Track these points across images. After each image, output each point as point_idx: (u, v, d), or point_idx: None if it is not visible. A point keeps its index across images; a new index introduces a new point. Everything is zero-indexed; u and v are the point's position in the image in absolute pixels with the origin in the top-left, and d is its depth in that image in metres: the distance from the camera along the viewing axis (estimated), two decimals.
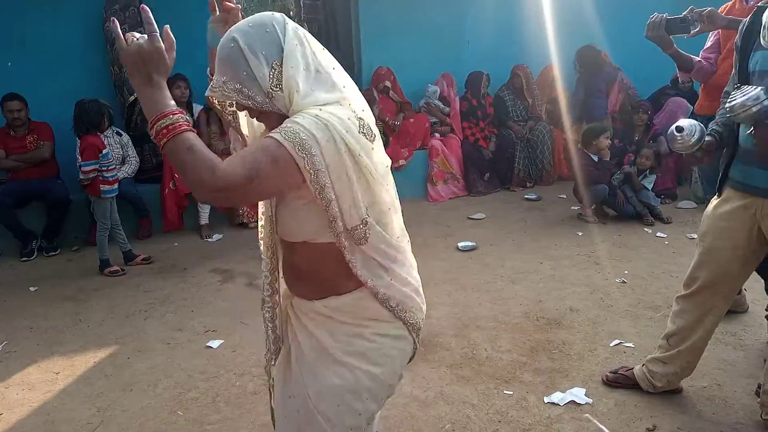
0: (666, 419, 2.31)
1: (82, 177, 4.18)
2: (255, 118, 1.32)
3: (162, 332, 3.33)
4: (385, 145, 5.29)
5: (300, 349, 1.39)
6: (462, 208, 5.63)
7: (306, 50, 1.25)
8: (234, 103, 1.37)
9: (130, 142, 5.19)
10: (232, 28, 1.25)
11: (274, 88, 1.21)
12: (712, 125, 2.17)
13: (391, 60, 6.25)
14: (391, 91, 6.17)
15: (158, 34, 1.19)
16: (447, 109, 6.29)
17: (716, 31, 2.91)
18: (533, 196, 5.85)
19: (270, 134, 1.18)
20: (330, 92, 1.24)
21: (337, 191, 1.20)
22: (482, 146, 6.24)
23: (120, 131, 5.14)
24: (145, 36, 1.19)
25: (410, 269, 1.46)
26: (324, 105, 1.21)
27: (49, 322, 3.54)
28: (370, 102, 4.96)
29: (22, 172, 4.85)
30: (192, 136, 1.16)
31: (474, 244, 4.48)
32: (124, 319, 3.54)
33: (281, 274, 1.48)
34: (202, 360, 2.98)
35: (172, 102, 1.19)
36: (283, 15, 1.29)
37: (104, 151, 4.22)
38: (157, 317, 3.54)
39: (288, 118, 1.21)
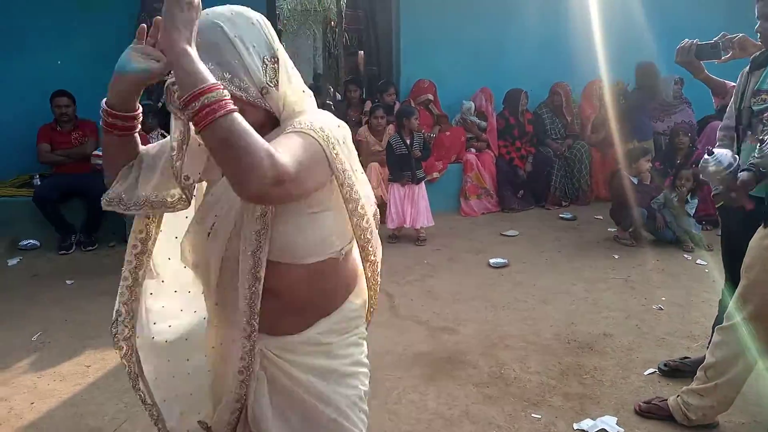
0: None
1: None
2: None
3: None
4: (425, 158, 5.27)
5: (294, 392, 1.26)
6: (495, 224, 5.57)
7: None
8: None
9: None
10: (209, 12, 1.11)
11: (270, 84, 1.14)
12: (750, 160, 2.09)
13: (430, 73, 6.25)
14: (431, 104, 6.18)
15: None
16: (484, 123, 6.24)
17: None
18: (568, 216, 5.75)
19: (297, 130, 1.10)
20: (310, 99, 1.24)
21: (357, 190, 1.21)
22: (518, 166, 6.16)
23: (165, 133, 5.24)
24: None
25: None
26: (312, 111, 1.21)
27: (83, 315, 3.61)
28: (410, 114, 4.96)
29: (65, 167, 5.00)
30: (242, 117, 1.00)
31: (506, 261, 4.42)
32: None
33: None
34: None
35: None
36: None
37: None
38: None
39: (278, 118, 1.18)
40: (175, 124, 1.09)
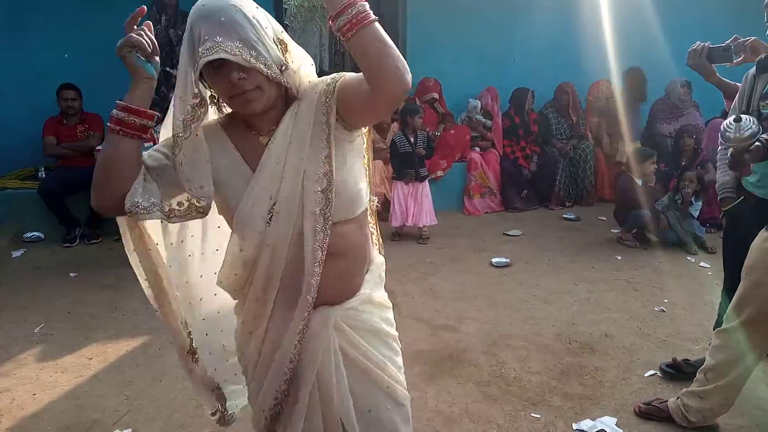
0: None
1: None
2: (236, 98, 1.18)
3: None
4: (428, 157, 5.27)
5: (358, 360, 1.35)
6: (498, 223, 5.57)
7: None
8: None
9: None
10: None
11: (288, 62, 1.21)
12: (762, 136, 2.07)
13: (436, 71, 6.24)
14: (436, 103, 6.17)
15: None
16: (489, 123, 6.23)
17: None
18: (572, 216, 5.74)
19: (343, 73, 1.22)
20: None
21: None
22: (522, 165, 6.15)
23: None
24: None
25: None
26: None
27: (86, 308, 3.63)
28: (415, 112, 4.96)
29: (71, 160, 5.03)
30: None
31: (508, 260, 4.42)
32: None
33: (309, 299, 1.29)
34: None
35: None
36: None
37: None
38: None
39: (290, 95, 1.24)
40: (179, 109, 1.17)
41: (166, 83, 5.35)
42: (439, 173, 5.85)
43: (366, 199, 1.33)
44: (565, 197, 6.19)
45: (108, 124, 1.19)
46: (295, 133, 1.22)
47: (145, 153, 1.24)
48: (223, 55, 1.10)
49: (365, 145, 1.35)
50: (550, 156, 6.19)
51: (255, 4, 1.19)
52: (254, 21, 1.15)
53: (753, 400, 2.54)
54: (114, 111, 1.19)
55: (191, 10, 1.16)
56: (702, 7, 6.49)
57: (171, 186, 1.24)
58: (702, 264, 4.40)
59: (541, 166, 6.18)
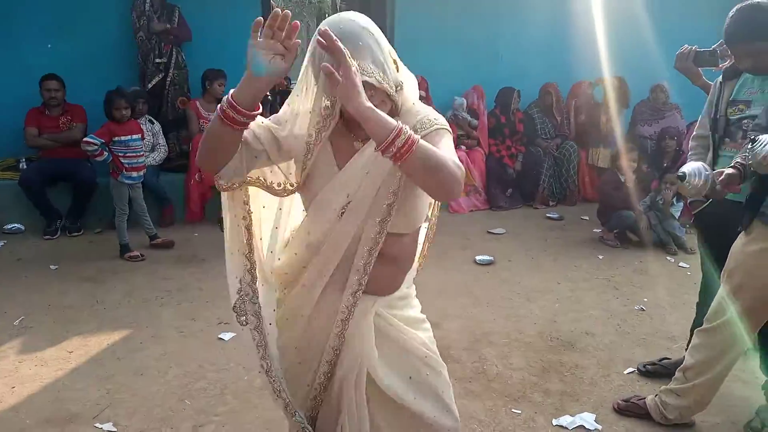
0: None
1: (83, 146, 4.25)
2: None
3: (176, 320, 3.35)
4: None
5: (398, 337, 1.54)
6: (482, 221, 5.60)
7: None
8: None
9: (161, 131, 5.27)
10: (344, 19, 1.27)
11: (401, 82, 1.34)
12: (736, 158, 2.11)
13: (422, 69, 6.20)
14: (422, 100, 6.17)
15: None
16: (475, 122, 6.25)
17: None
18: (555, 215, 5.80)
19: (440, 127, 1.33)
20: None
21: None
22: (507, 164, 6.19)
23: (152, 119, 5.22)
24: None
25: None
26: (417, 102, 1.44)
27: (66, 301, 3.59)
28: None
29: (52, 152, 4.95)
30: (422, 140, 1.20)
31: (492, 258, 4.45)
32: (141, 304, 3.58)
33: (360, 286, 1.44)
34: (213, 351, 3.00)
35: None
36: None
37: (122, 138, 4.28)
38: (173, 305, 3.57)
39: (394, 111, 1.35)
40: (311, 121, 1.30)
41: (152, 71, 5.32)
42: None
43: (423, 218, 1.51)
44: (549, 196, 6.24)
45: (218, 107, 1.24)
46: None
47: (248, 134, 1.31)
48: (365, 78, 1.21)
49: None
50: (535, 155, 6.24)
51: (377, 27, 1.31)
52: (381, 45, 1.28)
53: (728, 398, 2.59)
54: (223, 102, 1.22)
55: (323, 28, 1.18)
56: (690, 11, 6.57)
57: (259, 167, 1.39)
58: (681, 264, 4.47)
59: (526, 165, 6.22)
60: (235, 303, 1.51)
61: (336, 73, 1.13)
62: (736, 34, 2.19)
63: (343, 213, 1.37)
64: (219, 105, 1.23)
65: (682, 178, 2.03)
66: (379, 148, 1.15)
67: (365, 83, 1.19)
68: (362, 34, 1.25)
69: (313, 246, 1.43)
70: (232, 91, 1.23)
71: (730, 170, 2.00)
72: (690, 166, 2.06)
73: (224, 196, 1.43)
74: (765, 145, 1.85)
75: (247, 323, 1.51)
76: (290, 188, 1.44)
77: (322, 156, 1.38)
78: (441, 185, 1.20)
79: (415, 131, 1.23)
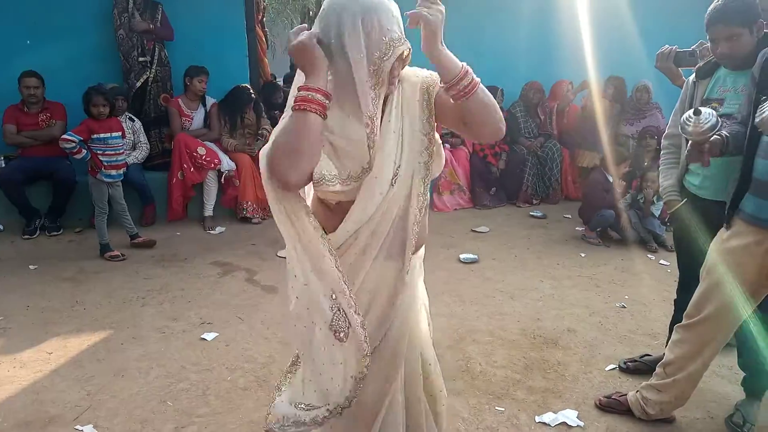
0: None
1: (61, 144, 4.19)
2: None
3: (157, 321, 3.32)
4: None
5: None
6: (466, 220, 5.62)
7: None
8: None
9: (142, 129, 5.21)
10: None
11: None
12: (723, 130, 2.12)
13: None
14: None
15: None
16: None
17: None
18: (539, 214, 5.84)
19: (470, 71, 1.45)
20: None
21: None
22: (491, 162, 6.21)
23: (133, 117, 5.16)
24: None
25: None
26: None
27: (46, 301, 3.54)
28: None
29: (31, 149, 4.88)
30: None
31: (476, 257, 4.47)
32: (121, 304, 3.54)
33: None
34: (195, 351, 2.98)
35: None
36: None
37: (101, 136, 4.22)
38: (154, 305, 3.53)
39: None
40: (367, 100, 1.35)
41: (138, 70, 5.25)
42: None
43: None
44: (532, 195, 6.28)
45: (293, 105, 1.31)
46: (406, 110, 1.47)
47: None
48: (408, 46, 1.40)
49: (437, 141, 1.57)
50: (518, 154, 6.27)
51: None
52: (398, 17, 1.39)
53: (708, 394, 2.63)
54: (314, 96, 1.30)
55: (346, 2, 1.33)
56: (671, 11, 6.63)
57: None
58: (662, 261, 4.53)
59: (510, 163, 6.25)
60: (332, 321, 1.46)
61: (425, 15, 1.35)
62: (716, 14, 2.22)
63: (394, 181, 1.44)
64: (301, 103, 1.29)
65: (698, 113, 1.99)
66: (448, 85, 1.36)
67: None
68: (390, 5, 1.38)
69: (364, 219, 1.45)
70: (304, 83, 1.32)
71: (715, 138, 1.99)
72: (708, 110, 2.03)
73: (290, 206, 1.40)
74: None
75: (345, 339, 1.47)
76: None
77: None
78: (495, 122, 1.39)
79: (427, 92, 1.48)
